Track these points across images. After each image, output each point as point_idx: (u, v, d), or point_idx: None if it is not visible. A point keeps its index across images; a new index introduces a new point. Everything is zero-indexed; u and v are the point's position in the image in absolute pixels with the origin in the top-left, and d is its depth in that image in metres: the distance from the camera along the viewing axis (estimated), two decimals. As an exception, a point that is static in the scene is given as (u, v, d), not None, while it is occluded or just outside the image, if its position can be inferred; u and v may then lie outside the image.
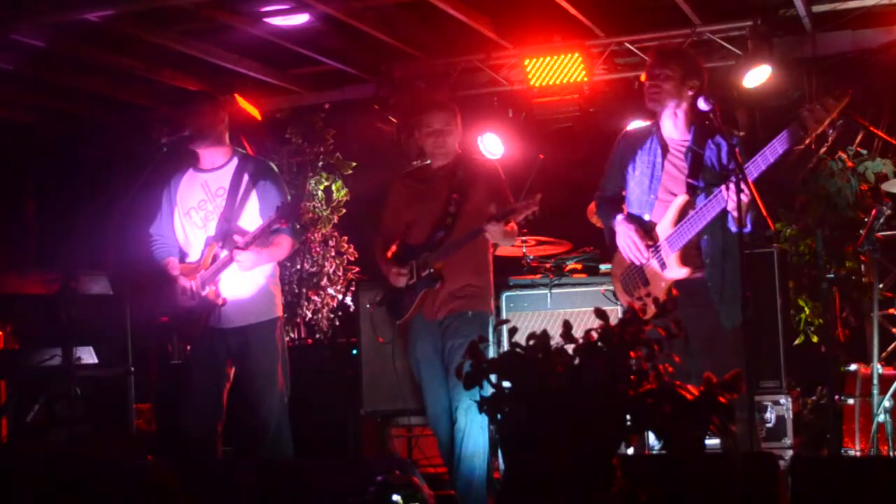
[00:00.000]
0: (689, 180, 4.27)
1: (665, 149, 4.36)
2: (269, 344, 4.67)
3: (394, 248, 4.94)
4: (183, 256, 4.79)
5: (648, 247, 4.32)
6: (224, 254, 4.58)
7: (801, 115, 3.99)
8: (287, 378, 4.73)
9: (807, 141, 4.06)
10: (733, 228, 4.06)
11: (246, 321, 4.64)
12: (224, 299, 4.58)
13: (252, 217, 4.64)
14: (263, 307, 4.69)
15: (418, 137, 4.94)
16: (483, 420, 4.63)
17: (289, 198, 4.70)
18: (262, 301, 4.69)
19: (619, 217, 4.43)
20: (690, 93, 4.29)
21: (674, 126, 4.37)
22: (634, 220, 4.40)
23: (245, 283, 4.65)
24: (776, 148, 4.01)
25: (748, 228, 4.17)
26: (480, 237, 4.66)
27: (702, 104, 4.24)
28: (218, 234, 4.63)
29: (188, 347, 4.69)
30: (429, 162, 4.97)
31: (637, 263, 4.37)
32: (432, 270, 4.73)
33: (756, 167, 4.04)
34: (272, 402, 4.64)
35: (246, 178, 4.66)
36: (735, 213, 3.89)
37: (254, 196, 4.66)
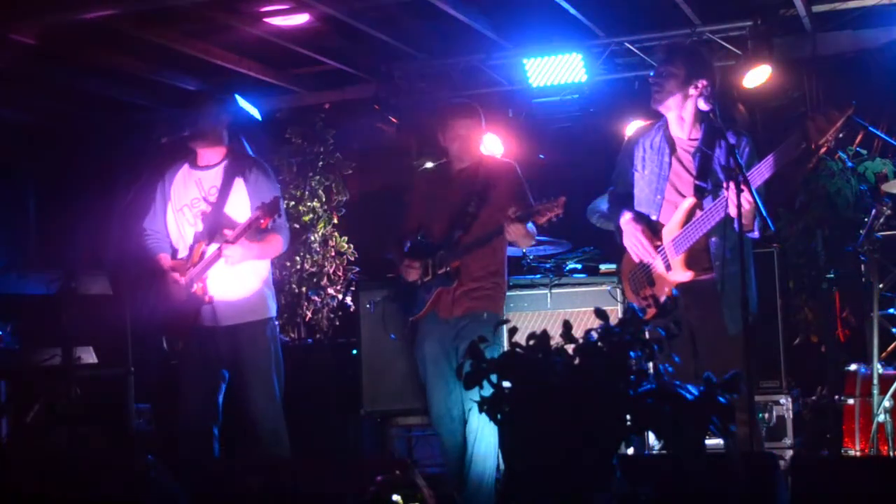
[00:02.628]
0: (697, 182, 4.25)
1: (672, 148, 4.34)
2: (261, 343, 4.66)
3: (409, 244, 4.97)
4: (175, 253, 4.81)
5: (656, 247, 4.31)
6: (212, 248, 4.59)
7: (804, 125, 3.96)
8: (281, 379, 4.72)
9: (816, 156, 4.05)
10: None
11: (237, 320, 4.64)
12: (210, 297, 4.58)
13: (244, 216, 4.65)
14: (255, 307, 4.69)
15: (442, 140, 4.96)
16: (495, 423, 4.62)
17: (278, 190, 4.73)
18: (253, 301, 4.69)
19: (628, 216, 4.40)
20: (694, 91, 4.26)
21: (680, 126, 4.34)
22: (642, 219, 4.38)
23: (237, 284, 4.65)
24: (778, 158, 3.99)
25: (756, 234, 4.16)
26: (499, 237, 4.67)
27: (701, 104, 4.24)
28: (205, 230, 4.64)
29: (179, 346, 4.69)
30: (444, 161, 5.03)
31: (644, 262, 4.37)
32: (449, 269, 4.74)
33: (760, 175, 4.02)
34: (265, 403, 4.63)
35: (237, 176, 4.68)
36: (742, 219, 3.88)
37: (245, 194, 4.67)
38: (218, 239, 4.57)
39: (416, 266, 4.82)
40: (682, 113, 4.31)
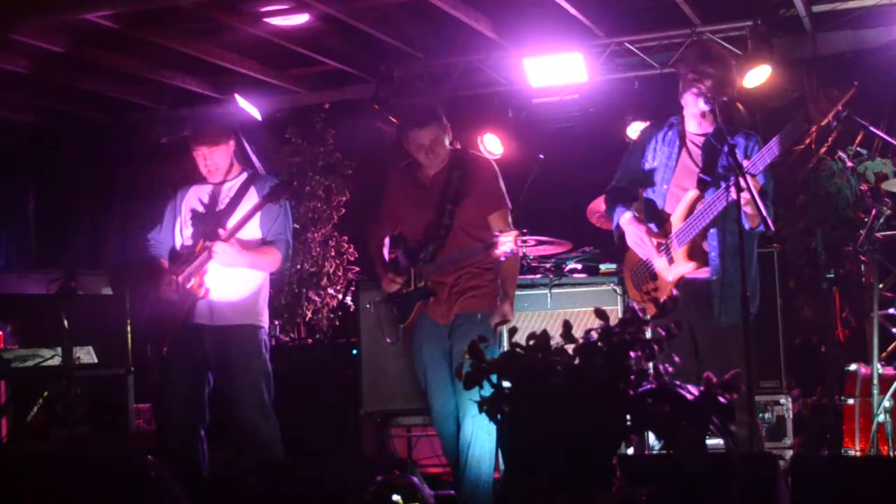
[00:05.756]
0: (701, 175, 4.27)
1: (683, 140, 4.36)
2: (251, 347, 4.64)
3: (389, 249, 4.95)
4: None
5: (659, 245, 4.33)
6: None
7: (806, 107, 3.99)
8: (269, 387, 4.68)
9: (811, 131, 4.07)
10: (747, 226, 4.05)
11: (227, 321, 4.62)
12: (206, 290, 4.56)
13: (252, 228, 4.64)
14: (247, 312, 4.67)
15: (408, 150, 4.82)
16: (490, 426, 4.60)
17: (289, 209, 4.71)
18: (246, 306, 4.67)
19: (628, 216, 4.43)
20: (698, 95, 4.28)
21: (697, 124, 4.36)
22: (649, 211, 4.40)
23: (233, 286, 4.64)
24: (781, 140, 4.01)
25: (759, 227, 4.18)
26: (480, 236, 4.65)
27: (701, 104, 4.25)
28: (208, 230, 4.63)
29: (164, 350, 4.66)
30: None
31: (649, 257, 4.39)
32: (427, 283, 4.72)
33: (762, 160, 4.04)
34: (250, 404, 4.59)
35: (252, 190, 4.67)
36: (747, 210, 3.91)
37: (255, 207, 4.65)
38: (213, 235, 4.56)
39: (399, 280, 4.81)
40: (703, 113, 4.32)
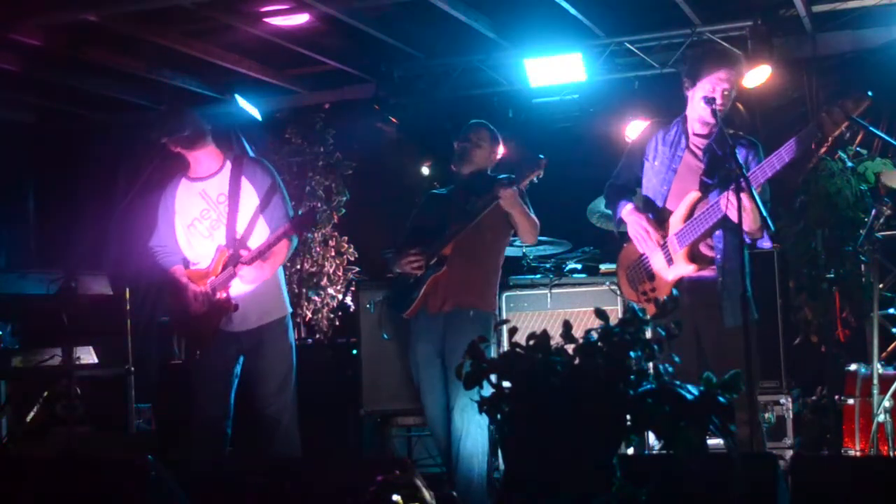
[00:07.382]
0: (703, 178, 4.25)
1: (687, 142, 4.34)
2: (282, 343, 4.68)
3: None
4: (187, 265, 4.77)
5: (662, 237, 4.31)
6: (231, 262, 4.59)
7: (819, 117, 3.95)
8: (293, 372, 4.73)
9: (825, 146, 4.04)
10: (747, 239, 4.04)
11: (257, 322, 4.64)
12: (236, 305, 4.57)
13: (261, 229, 4.64)
14: (272, 306, 4.69)
15: (456, 146, 5.04)
16: (481, 419, 4.62)
17: (285, 191, 4.72)
18: (270, 300, 4.69)
19: (629, 206, 4.41)
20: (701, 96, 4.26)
21: (702, 125, 4.31)
22: (648, 207, 4.38)
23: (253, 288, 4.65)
24: (791, 148, 3.98)
25: (768, 245, 4.18)
26: (494, 208, 4.68)
27: (702, 106, 4.23)
28: (228, 242, 4.62)
29: (197, 352, 4.67)
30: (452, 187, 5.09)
31: (648, 253, 4.37)
32: (438, 256, 4.76)
33: (770, 167, 4.02)
34: (284, 401, 4.64)
35: (243, 180, 4.64)
36: (752, 224, 3.92)
37: (255, 197, 4.64)
38: (235, 258, 4.56)
39: (415, 253, 4.82)
40: (711, 109, 4.29)
